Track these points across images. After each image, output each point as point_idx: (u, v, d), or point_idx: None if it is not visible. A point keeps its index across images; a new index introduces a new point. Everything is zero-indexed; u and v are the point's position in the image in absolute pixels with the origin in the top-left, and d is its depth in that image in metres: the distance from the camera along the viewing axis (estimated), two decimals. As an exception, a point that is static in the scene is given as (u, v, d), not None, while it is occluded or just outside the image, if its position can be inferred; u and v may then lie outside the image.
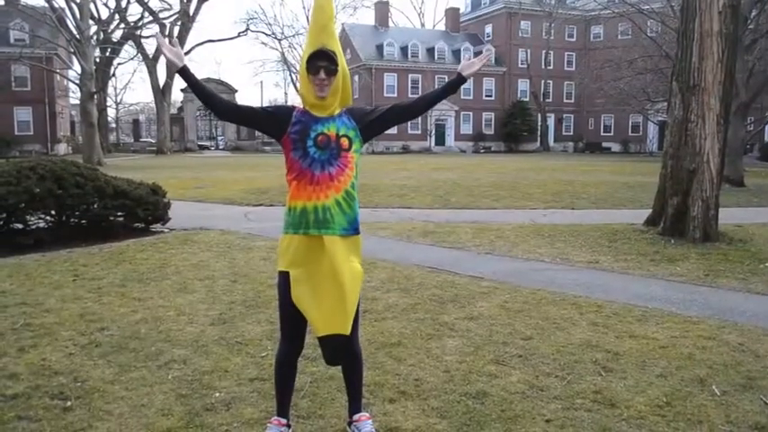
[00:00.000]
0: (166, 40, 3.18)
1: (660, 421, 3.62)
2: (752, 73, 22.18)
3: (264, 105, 3.31)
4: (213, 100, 3.22)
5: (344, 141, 3.16)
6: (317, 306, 3.12)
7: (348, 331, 3.13)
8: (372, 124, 3.30)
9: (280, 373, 3.37)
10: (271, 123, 3.24)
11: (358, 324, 3.34)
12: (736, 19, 9.69)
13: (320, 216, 3.10)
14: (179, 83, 51.30)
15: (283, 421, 3.37)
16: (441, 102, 3.46)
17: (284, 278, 3.21)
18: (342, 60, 3.15)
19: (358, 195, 3.28)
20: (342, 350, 3.20)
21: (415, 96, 3.38)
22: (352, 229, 3.21)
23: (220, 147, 67.78)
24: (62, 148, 52.82)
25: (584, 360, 4.61)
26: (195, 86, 3.18)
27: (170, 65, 3.16)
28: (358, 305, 3.24)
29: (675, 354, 4.74)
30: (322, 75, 3.09)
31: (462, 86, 3.47)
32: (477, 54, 64.04)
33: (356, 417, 3.43)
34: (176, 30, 51.50)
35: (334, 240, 3.11)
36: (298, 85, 3.27)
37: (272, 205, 14.68)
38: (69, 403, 3.82)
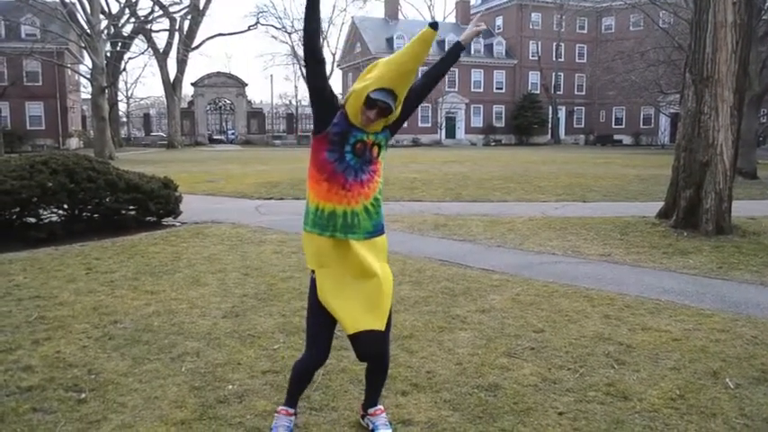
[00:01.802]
0: None
1: (673, 414, 3.60)
2: (765, 64, 21.93)
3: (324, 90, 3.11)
4: (313, 24, 3.08)
5: (375, 150, 3.14)
6: (346, 304, 3.09)
7: (383, 327, 3.12)
8: (396, 123, 3.24)
9: (298, 378, 3.35)
10: (328, 103, 3.12)
11: (390, 324, 3.31)
12: (750, 9, 9.60)
13: (348, 221, 3.09)
14: (189, 77, 51.41)
15: (291, 411, 3.40)
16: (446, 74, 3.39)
17: (313, 279, 3.19)
18: (399, 106, 3.09)
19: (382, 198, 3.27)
20: (378, 346, 3.17)
21: (420, 79, 3.27)
22: (377, 232, 3.20)
23: (231, 139, 67.94)
24: (73, 143, 53.13)
25: (596, 353, 4.60)
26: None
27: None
28: (390, 306, 3.22)
29: (689, 346, 4.71)
30: (374, 113, 3.00)
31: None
32: (487, 46, 63.94)
33: (371, 410, 3.43)
34: (186, 24, 51.61)
35: (361, 243, 3.11)
36: (349, 91, 3.12)
37: (282, 199, 14.71)
38: (84, 395, 3.84)
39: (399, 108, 3.11)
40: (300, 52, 63.69)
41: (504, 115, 65.09)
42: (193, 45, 52.88)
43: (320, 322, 3.19)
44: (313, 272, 3.19)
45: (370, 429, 3.41)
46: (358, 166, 3.09)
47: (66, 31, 41.43)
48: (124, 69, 55.32)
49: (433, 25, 2.99)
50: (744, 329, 5.11)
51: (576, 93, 67.26)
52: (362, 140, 3.08)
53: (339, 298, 3.09)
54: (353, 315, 3.07)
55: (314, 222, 3.13)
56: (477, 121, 64.53)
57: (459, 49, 3.37)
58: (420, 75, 3.24)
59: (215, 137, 68.73)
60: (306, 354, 3.32)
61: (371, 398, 3.46)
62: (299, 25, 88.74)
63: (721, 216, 9.49)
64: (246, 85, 66.59)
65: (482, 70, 64.10)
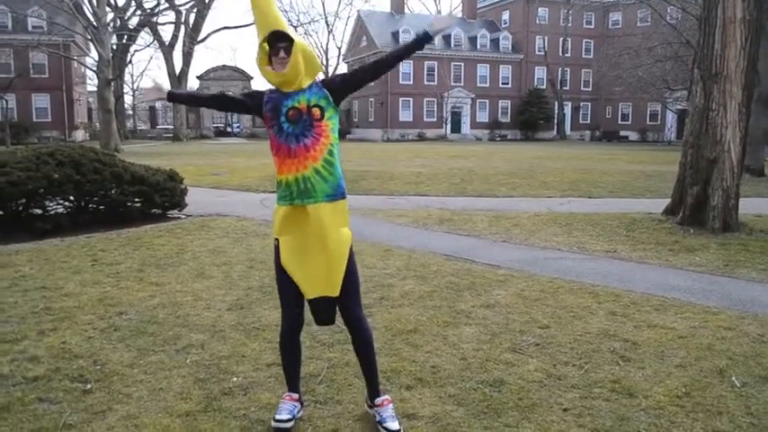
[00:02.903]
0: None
1: (679, 412, 3.59)
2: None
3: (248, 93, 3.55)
4: (200, 101, 3.77)
5: (316, 111, 3.27)
6: (304, 270, 3.28)
7: (336, 293, 3.28)
8: (344, 88, 3.41)
9: (283, 350, 3.48)
10: (249, 105, 3.45)
11: (358, 289, 3.46)
12: (759, 5, 9.54)
13: (302, 186, 3.24)
14: (195, 70, 51.31)
15: (295, 396, 3.43)
16: (410, 54, 3.48)
17: (276, 246, 3.36)
18: (295, 37, 3.25)
19: (339, 160, 3.37)
20: (332, 311, 3.37)
21: (383, 56, 3.40)
22: (338, 194, 3.31)
23: (236, 132, 67.99)
24: (79, 135, 53.18)
25: (601, 349, 4.59)
26: (185, 99, 3.87)
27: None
28: (353, 266, 3.37)
29: (694, 344, 4.69)
30: (282, 54, 3.21)
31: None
32: (493, 41, 63.72)
33: (378, 401, 3.43)
34: (192, 16, 51.58)
35: (318, 208, 3.25)
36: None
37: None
38: (89, 386, 3.86)
39: (296, 35, 3.28)
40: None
41: (509, 110, 64.86)
42: (199, 38, 52.80)
43: (287, 286, 3.36)
44: (276, 240, 3.35)
45: (376, 421, 3.37)
46: (298, 131, 3.25)
47: (73, 23, 41.39)
48: (130, 62, 55.33)
49: None
50: (750, 327, 5.09)
51: (582, 88, 67.01)
52: (294, 107, 3.26)
53: (298, 264, 3.29)
54: (310, 281, 3.28)
55: (278, 196, 3.36)
56: (483, 117, 64.33)
57: (426, 39, 3.43)
58: (382, 55, 3.44)
59: (229, 129, 68.88)
60: (283, 319, 3.47)
61: (371, 384, 3.48)
62: (305, 19, 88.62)
63: (728, 213, 9.45)
64: (252, 78, 66.51)
65: (488, 65, 63.87)
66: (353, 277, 3.38)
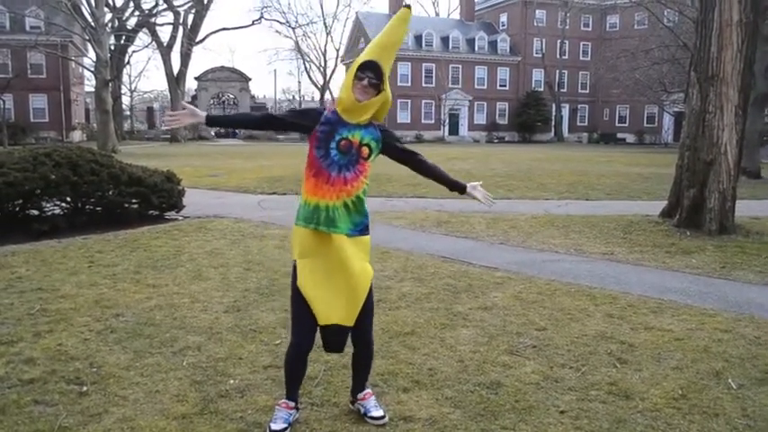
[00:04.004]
0: (179, 111, 3.45)
1: (676, 414, 3.60)
2: (771, 64, 21.83)
3: (295, 108, 3.50)
4: (248, 124, 3.61)
5: (365, 150, 3.33)
6: (321, 296, 3.29)
7: (351, 323, 3.33)
8: (392, 149, 3.48)
9: (291, 366, 3.45)
10: (300, 123, 3.41)
11: (372, 316, 3.51)
12: (756, 8, 9.55)
13: (330, 215, 3.27)
14: (193, 71, 51.25)
15: (291, 404, 3.44)
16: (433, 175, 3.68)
17: (295, 267, 3.38)
18: (387, 85, 3.30)
19: (367, 200, 3.43)
20: (343, 341, 3.40)
21: (433, 164, 3.63)
22: (359, 231, 3.36)
23: (234, 134, 67.93)
24: (77, 136, 53.11)
25: (598, 351, 4.59)
26: (229, 124, 3.64)
27: (197, 125, 3.41)
28: (371, 298, 3.43)
29: (691, 346, 4.70)
30: (365, 82, 3.24)
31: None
32: (491, 43, 63.76)
33: (361, 395, 3.55)
34: (190, 17, 51.55)
35: (342, 238, 3.28)
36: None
37: (285, 194, 14.69)
38: (85, 388, 3.85)
39: (387, 84, 3.32)
40: (304, 47, 63.71)
41: (507, 112, 64.91)
42: (197, 39, 52.75)
43: (302, 308, 3.34)
44: (295, 261, 3.36)
45: (362, 413, 3.50)
46: (343, 163, 3.28)
47: (71, 23, 41.35)
48: (128, 62, 55.25)
49: (407, 6, 3.38)
50: (746, 330, 5.10)
51: (579, 91, 67.07)
52: (347, 138, 3.28)
53: (315, 289, 3.29)
54: (326, 307, 3.29)
55: (301, 216, 3.35)
56: (481, 118, 64.37)
57: (458, 189, 3.68)
58: (419, 159, 3.58)
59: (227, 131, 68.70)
60: (291, 341, 3.45)
61: (359, 383, 3.58)
62: (303, 20, 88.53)
63: (725, 215, 9.47)
64: (250, 79, 66.56)
65: (486, 67, 63.92)
66: (370, 306, 3.44)
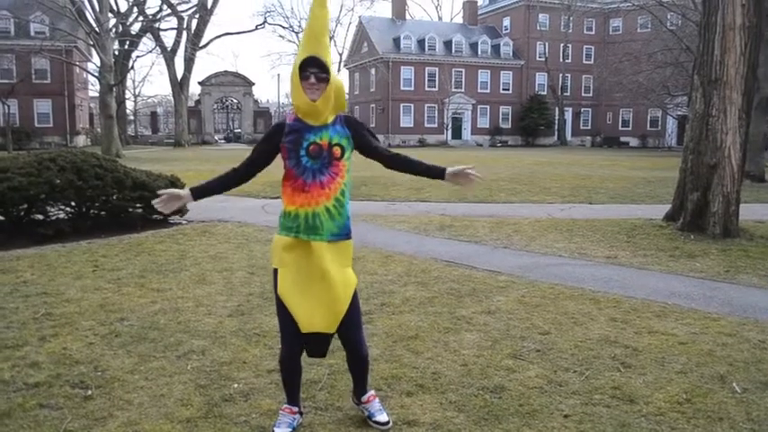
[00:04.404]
0: (163, 199, 3.46)
1: (680, 418, 3.59)
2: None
3: (266, 134, 3.39)
4: (230, 183, 3.49)
5: (337, 150, 3.26)
6: (302, 304, 3.26)
7: (333, 330, 3.31)
8: (363, 143, 3.39)
9: (284, 370, 3.45)
10: (269, 149, 3.36)
11: (361, 328, 3.49)
12: (759, 12, 9.56)
13: (310, 222, 3.23)
14: (196, 76, 51.16)
15: (294, 409, 3.44)
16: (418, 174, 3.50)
17: (276, 275, 3.33)
18: (333, 71, 3.23)
19: (349, 199, 3.38)
20: (325, 347, 3.40)
21: (405, 156, 3.49)
22: (343, 234, 3.32)
23: (237, 138, 68.11)
24: (81, 140, 53.26)
25: (602, 355, 4.59)
26: (213, 191, 3.51)
27: (184, 206, 3.35)
28: (358, 310, 3.40)
29: (695, 350, 4.69)
30: (312, 80, 3.16)
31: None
32: (494, 47, 63.77)
33: (364, 398, 3.55)
34: (194, 22, 51.69)
35: (322, 246, 3.24)
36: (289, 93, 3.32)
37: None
38: (90, 392, 3.86)
39: (334, 71, 3.26)
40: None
41: (510, 116, 64.95)
42: (201, 44, 52.93)
43: (286, 315, 3.31)
44: (276, 270, 3.32)
45: (366, 416, 3.50)
46: (316, 168, 3.23)
47: (75, 29, 41.56)
48: (132, 67, 55.39)
49: None
50: (751, 334, 5.09)
51: (582, 94, 67.08)
52: (315, 142, 3.22)
53: (296, 296, 3.26)
54: (307, 316, 3.26)
55: (282, 225, 3.31)
56: (484, 122, 64.40)
57: (439, 176, 3.45)
58: (403, 155, 3.49)
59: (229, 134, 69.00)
60: (282, 344, 3.43)
61: (360, 386, 3.58)
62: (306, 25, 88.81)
63: (729, 219, 9.45)
64: (253, 84, 66.74)
65: (489, 71, 63.97)
66: (356, 312, 3.39)
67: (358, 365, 3.52)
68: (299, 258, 3.26)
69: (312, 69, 3.15)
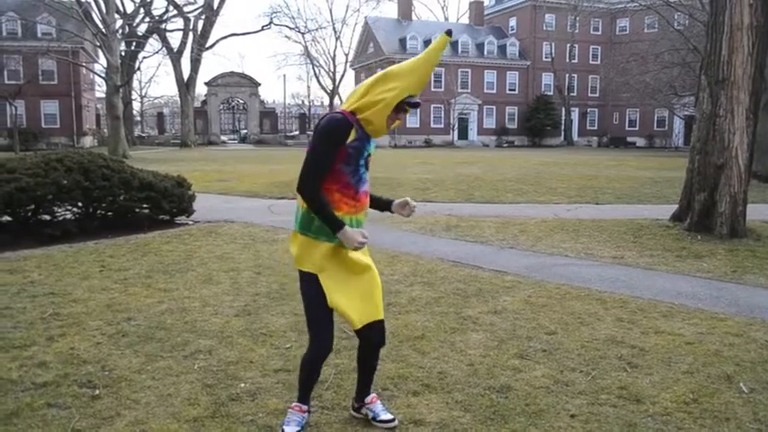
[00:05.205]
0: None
1: (686, 418, 3.59)
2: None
3: (334, 137, 3.11)
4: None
5: (369, 160, 3.33)
6: (354, 299, 3.27)
7: (382, 315, 3.37)
8: None
9: (309, 371, 3.41)
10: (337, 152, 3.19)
11: None
12: (767, 11, 9.51)
13: (354, 228, 3.19)
14: (203, 76, 51.20)
15: (304, 407, 3.45)
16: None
17: (315, 280, 3.24)
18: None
19: None
20: (384, 333, 3.41)
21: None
22: None
23: (242, 137, 68.25)
24: (88, 141, 53.47)
25: (609, 355, 4.58)
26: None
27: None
28: None
29: (702, 350, 4.68)
30: (402, 116, 3.21)
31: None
32: (500, 47, 63.72)
33: (368, 399, 3.56)
34: (200, 24, 51.82)
35: None
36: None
37: (294, 198, 14.70)
38: (97, 392, 3.87)
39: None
40: (313, 52, 63.80)
41: (516, 117, 64.85)
42: (207, 45, 52.99)
43: (323, 314, 3.30)
44: (305, 272, 3.27)
45: (370, 418, 3.51)
46: (365, 178, 3.28)
47: (82, 30, 41.72)
48: (138, 68, 55.41)
49: (449, 32, 3.18)
50: (758, 334, 5.07)
51: (589, 94, 66.94)
52: (371, 154, 3.28)
53: (344, 297, 3.25)
54: (360, 310, 3.27)
55: (319, 229, 3.18)
56: (490, 123, 64.33)
57: (385, 209, 3.51)
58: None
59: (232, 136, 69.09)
60: (313, 346, 3.37)
61: (366, 387, 3.57)
62: (312, 25, 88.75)
63: (736, 219, 9.42)
64: (259, 84, 66.81)
65: (495, 71, 63.91)
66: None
67: (375, 361, 3.52)
68: (339, 260, 3.25)
69: (411, 108, 3.18)
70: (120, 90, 38.50)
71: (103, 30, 36.12)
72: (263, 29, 61.43)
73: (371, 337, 3.35)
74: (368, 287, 3.30)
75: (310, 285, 3.27)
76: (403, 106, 3.14)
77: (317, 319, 3.31)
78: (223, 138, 68.26)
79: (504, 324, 5.31)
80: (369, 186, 3.33)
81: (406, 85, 3.11)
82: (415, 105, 3.18)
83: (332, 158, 3.11)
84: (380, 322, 3.35)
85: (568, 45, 63.16)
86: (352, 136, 3.11)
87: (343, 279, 3.27)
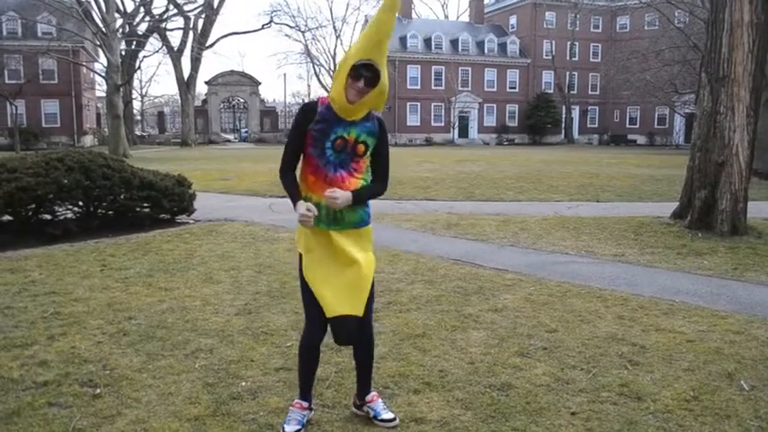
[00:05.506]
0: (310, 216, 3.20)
1: (687, 415, 3.59)
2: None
3: (296, 120, 3.25)
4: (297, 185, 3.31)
5: (361, 147, 3.23)
6: (328, 288, 3.27)
7: (361, 313, 3.29)
8: (378, 149, 3.34)
9: (304, 356, 3.45)
10: (303, 135, 3.23)
11: (372, 307, 3.47)
12: (767, 8, 9.50)
13: (331, 215, 3.22)
14: (203, 75, 51.11)
15: (305, 404, 3.45)
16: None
17: (300, 260, 3.36)
18: (385, 75, 3.14)
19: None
20: (354, 331, 3.32)
21: (377, 182, 3.39)
22: (362, 223, 3.34)
23: (244, 137, 68.22)
24: (88, 140, 53.49)
25: (609, 353, 4.58)
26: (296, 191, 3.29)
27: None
28: (373, 288, 3.39)
29: (703, 348, 4.68)
30: (361, 84, 3.09)
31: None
32: (501, 45, 63.69)
33: (369, 397, 3.55)
34: (201, 22, 51.79)
35: (343, 232, 3.27)
36: (328, 83, 3.20)
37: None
38: (98, 391, 3.88)
39: (384, 74, 3.14)
40: (314, 51, 63.76)
41: (517, 115, 64.81)
42: (207, 44, 52.99)
43: (312, 298, 3.33)
44: (300, 255, 3.35)
45: (371, 416, 3.50)
46: (338, 162, 3.21)
47: (82, 29, 41.74)
48: (139, 67, 55.40)
49: None
50: (759, 331, 5.07)
51: (589, 92, 66.88)
52: (342, 137, 3.18)
53: (322, 281, 3.28)
54: (333, 300, 3.26)
55: None
56: (491, 121, 64.30)
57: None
58: (378, 177, 3.39)
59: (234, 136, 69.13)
60: (305, 328, 3.43)
61: (365, 385, 3.57)
62: (313, 24, 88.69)
63: (736, 217, 9.42)
64: (260, 83, 66.81)
65: (495, 69, 63.87)
66: (371, 296, 3.39)
67: (367, 346, 3.48)
68: (323, 242, 3.27)
69: (366, 73, 3.07)
70: (121, 89, 38.52)
71: (104, 29, 36.13)
72: (263, 27, 61.46)
73: (337, 332, 3.31)
74: (345, 281, 3.25)
75: (300, 268, 3.35)
76: (358, 71, 3.06)
77: (308, 302, 3.37)
78: (227, 136, 68.29)
79: (505, 322, 5.31)
80: (355, 172, 3.23)
81: (355, 51, 3.11)
82: (369, 68, 3.07)
83: (295, 141, 3.26)
84: (351, 319, 3.26)
85: (569, 43, 63.12)
86: (315, 117, 3.16)
87: (326, 265, 3.28)
